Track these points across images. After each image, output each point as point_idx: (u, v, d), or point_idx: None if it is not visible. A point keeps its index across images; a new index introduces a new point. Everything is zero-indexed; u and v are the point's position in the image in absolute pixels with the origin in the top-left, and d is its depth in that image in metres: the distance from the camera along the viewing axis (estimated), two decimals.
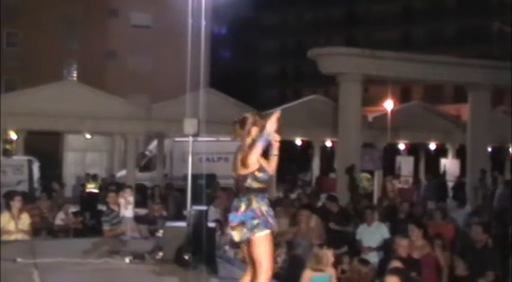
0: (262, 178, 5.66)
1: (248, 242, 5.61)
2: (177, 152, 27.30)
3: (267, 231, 5.56)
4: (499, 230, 12.19)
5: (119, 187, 16.77)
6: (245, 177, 5.65)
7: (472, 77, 24.68)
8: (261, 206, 5.62)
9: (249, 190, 5.64)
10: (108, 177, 27.93)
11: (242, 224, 5.59)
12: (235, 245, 5.73)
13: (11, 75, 40.40)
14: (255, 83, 60.15)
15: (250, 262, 5.79)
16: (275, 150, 5.72)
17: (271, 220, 5.62)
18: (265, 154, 5.75)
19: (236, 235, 5.62)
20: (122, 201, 10.78)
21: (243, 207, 5.62)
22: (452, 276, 9.26)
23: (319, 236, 10.49)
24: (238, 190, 5.77)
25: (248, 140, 5.69)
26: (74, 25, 42.13)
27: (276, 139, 5.73)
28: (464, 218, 14.12)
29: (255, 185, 5.64)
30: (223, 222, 10.41)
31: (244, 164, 5.62)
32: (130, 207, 11.02)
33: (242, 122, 5.74)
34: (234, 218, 5.67)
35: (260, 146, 5.54)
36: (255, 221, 5.55)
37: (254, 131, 5.69)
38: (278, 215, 9.88)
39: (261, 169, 5.65)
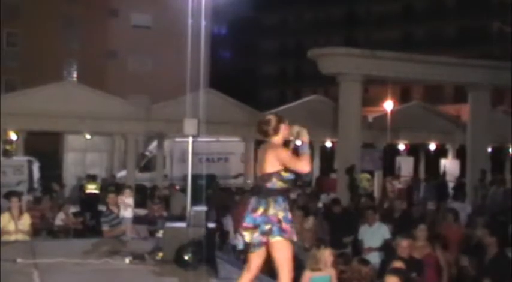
0: (287, 178, 5.65)
1: (266, 245, 5.59)
2: (177, 153, 27.29)
3: (281, 239, 5.54)
4: (498, 229, 12.17)
5: (119, 187, 16.81)
6: (270, 176, 5.61)
7: (472, 77, 24.66)
8: (277, 212, 5.57)
9: (270, 191, 5.61)
10: (108, 178, 27.89)
11: (256, 227, 5.58)
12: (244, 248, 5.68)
13: (11, 75, 40.39)
14: (255, 83, 60.14)
15: (250, 263, 5.78)
16: (306, 149, 5.67)
17: (286, 227, 5.56)
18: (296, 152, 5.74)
19: (247, 236, 5.62)
20: (121, 202, 10.79)
21: (260, 210, 5.60)
22: (458, 276, 9.25)
23: (311, 239, 10.39)
24: (259, 190, 5.73)
25: (277, 139, 5.70)
26: (74, 25, 42.13)
27: (305, 137, 5.73)
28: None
29: (279, 185, 5.60)
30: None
31: (282, 162, 5.57)
32: (130, 208, 11.04)
33: (268, 122, 5.75)
34: (249, 219, 5.66)
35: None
36: (268, 227, 5.54)
37: (283, 128, 5.71)
38: None
39: (286, 169, 5.62)
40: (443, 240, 10.07)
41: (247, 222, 5.66)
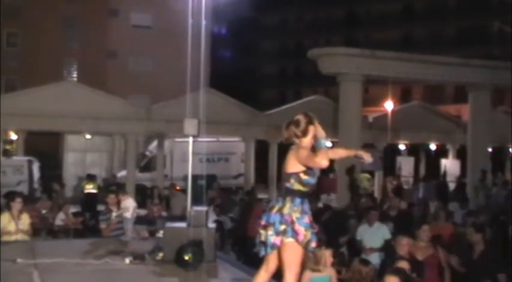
0: (306, 181, 5.56)
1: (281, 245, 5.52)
2: (177, 153, 27.28)
3: (293, 240, 5.47)
4: (498, 230, 12.18)
5: (120, 187, 16.84)
6: (289, 176, 5.56)
7: (472, 77, 24.66)
8: (292, 212, 5.49)
9: (288, 191, 5.55)
10: (110, 178, 27.83)
11: (269, 224, 5.53)
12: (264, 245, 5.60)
13: (11, 75, 40.40)
14: (255, 83, 60.12)
15: (268, 260, 5.71)
16: (322, 144, 5.56)
17: (299, 228, 5.47)
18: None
19: (262, 235, 5.57)
20: (123, 207, 10.84)
21: (275, 208, 5.55)
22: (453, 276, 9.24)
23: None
24: (280, 189, 5.70)
25: (306, 140, 5.61)
26: (74, 25, 42.15)
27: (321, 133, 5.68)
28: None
29: (296, 186, 5.53)
30: None
31: (300, 161, 5.51)
32: (132, 209, 11.05)
33: (296, 123, 5.66)
34: (265, 217, 5.61)
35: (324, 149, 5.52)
36: (282, 227, 5.47)
37: (312, 129, 5.62)
38: None
39: (307, 171, 5.55)
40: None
41: (264, 220, 5.62)
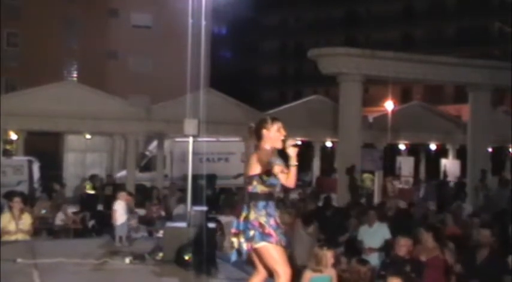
0: (269, 182, 5.51)
1: (254, 251, 5.53)
2: (177, 153, 27.25)
3: (265, 244, 5.43)
4: (498, 230, 12.16)
5: (117, 188, 16.80)
6: (251, 178, 5.54)
7: (472, 77, 24.65)
8: (259, 217, 5.45)
9: (251, 196, 5.52)
10: (106, 178, 27.69)
11: (240, 232, 5.53)
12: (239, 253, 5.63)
13: (11, 75, 40.42)
14: (255, 83, 60.14)
15: (256, 265, 5.72)
16: (294, 161, 5.51)
17: (269, 231, 5.44)
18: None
19: (235, 242, 5.58)
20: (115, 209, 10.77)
21: (243, 215, 5.54)
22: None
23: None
24: (244, 194, 5.69)
25: (262, 144, 5.63)
26: (74, 25, 42.18)
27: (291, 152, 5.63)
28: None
29: (260, 188, 5.50)
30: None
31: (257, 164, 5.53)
32: (127, 214, 10.95)
33: (256, 126, 5.71)
34: (235, 224, 5.62)
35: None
36: (251, 233, 5.45)
37: (265, 133, 5.61)
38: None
39: (268, 172, 5.50)
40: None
41: (234, 227, 5.62)
